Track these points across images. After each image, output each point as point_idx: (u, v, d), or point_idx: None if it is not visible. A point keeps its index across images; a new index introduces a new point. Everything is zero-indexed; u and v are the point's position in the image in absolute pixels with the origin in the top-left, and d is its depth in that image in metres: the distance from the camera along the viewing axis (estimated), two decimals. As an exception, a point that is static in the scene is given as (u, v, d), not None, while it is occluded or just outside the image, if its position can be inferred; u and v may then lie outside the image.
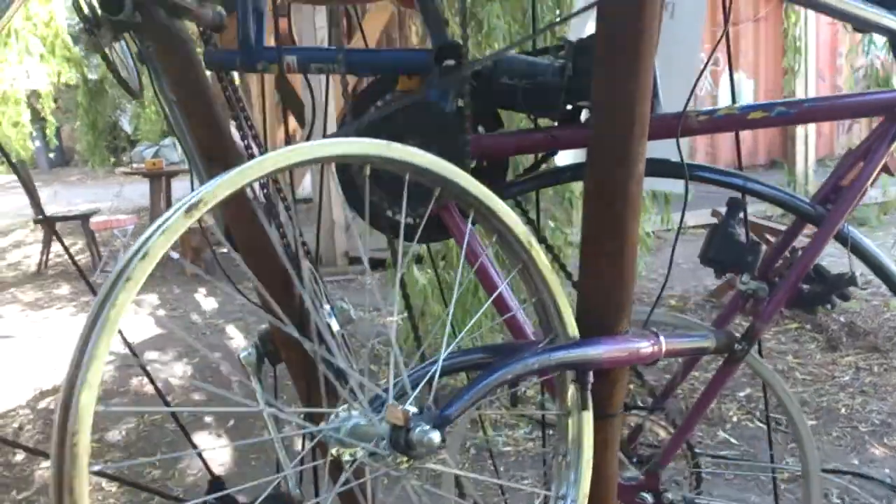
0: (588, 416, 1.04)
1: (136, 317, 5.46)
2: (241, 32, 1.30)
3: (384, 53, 1.36)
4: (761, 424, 3.69)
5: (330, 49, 1.29)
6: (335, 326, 1.41)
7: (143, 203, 8.98)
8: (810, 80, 7.29)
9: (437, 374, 0.89)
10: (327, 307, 1.44)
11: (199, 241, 6.72)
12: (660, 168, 1.41)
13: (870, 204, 5.00)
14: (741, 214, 1.31)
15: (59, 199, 9.75)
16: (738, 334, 1.33)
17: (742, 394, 4.03)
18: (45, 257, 7.11)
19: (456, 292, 1.21)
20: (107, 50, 1.43)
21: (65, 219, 7.24)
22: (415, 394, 0.86)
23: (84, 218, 7.09)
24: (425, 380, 0.86)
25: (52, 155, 15.94)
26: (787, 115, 1.30)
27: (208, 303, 5.95)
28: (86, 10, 1.34)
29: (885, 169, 1.31)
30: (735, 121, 1.31)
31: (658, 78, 1.46)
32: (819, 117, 1.32)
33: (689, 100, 1.30)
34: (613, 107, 1.00)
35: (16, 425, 3.85)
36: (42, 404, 4.05)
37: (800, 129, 8.18)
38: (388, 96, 1.34)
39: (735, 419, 3.77)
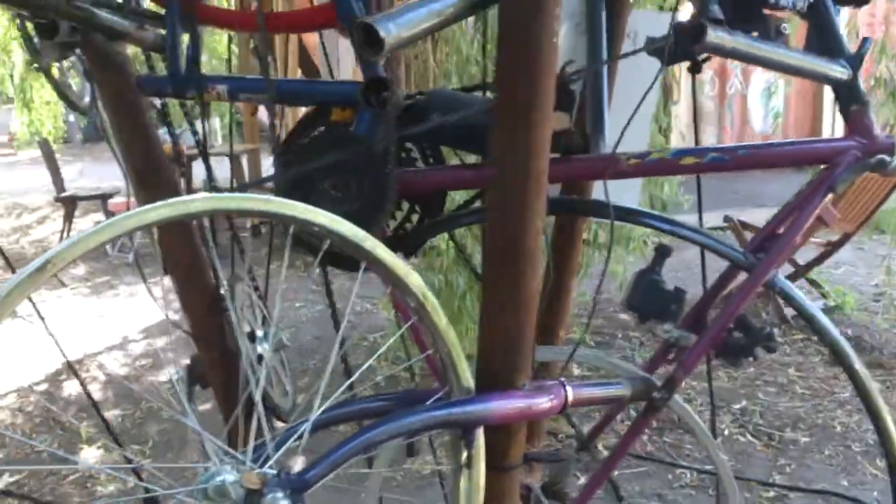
0: (479, 472, 1.03)
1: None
2: (170, 60, 1.30)
3: (315, 85, 1.35)
4: (753, 439, 3.66)
5: (259, 79, 1.29)
6: (266, 353, 1.42)
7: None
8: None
9: (307, 432, 0.89)
10: (260, 333, 1.45)
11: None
12: (590, 208, 1.39)
13: (889, 210, 4.88)
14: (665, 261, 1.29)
15: (88, 175, 9.89)
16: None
17: (737, 406, 3.99)
18: (66, 235, 7.23)
19: (339, 337, 1.18)
20: (54, 68, 1.45)
21: (85, 198, 7.35)
22: (277, 455, 0.85)
23: (103, 198, 7.20)
24: (289, 442, 0.86)
25: (83, 130, 16.16)
26: (720, 162, 1.27)
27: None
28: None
29: (820, 219, 1.27)
30: (666, 165, 1.29)
31: (605, 113, 1.44)
32: (753, 165, 1.28)
33: (619, 139, 1.27)
34: (509, 162, 0.98)
35: (16, 407, 3.95)
36: (41, 387, 4.13)
37: (826, 130, 8.02)
38: (321, 127, 1.34)
39: (727, 432, 3.74)
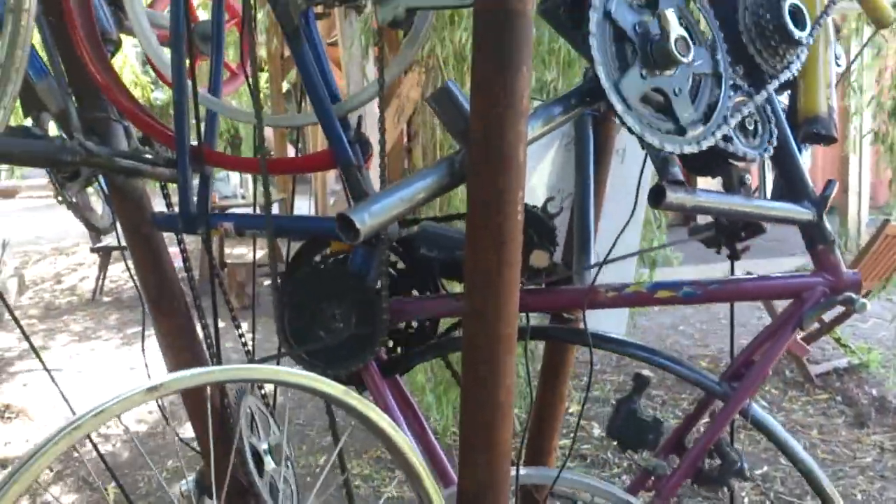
0: None
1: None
2: (181, 200, 1.41)
3: (312, 220, 1.46)
4: (777, 509, 3.63)
5: (260, 216, 1.40)
6: (270, 465, 1.51)
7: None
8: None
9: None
10: (264, 446, 1.54)
11: (244, 275, 6.98)
12: (569, 335, 1.47)
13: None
14: (644, 390, 1.35)
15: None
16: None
17: (759, 472, 3.96)
18: (100, 284, 7.44)
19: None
20: (73, 199, 1.57)
21: (118, 248, 7.55)
22: None
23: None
24: None
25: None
26: (693, 296, 1.34)
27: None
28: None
29: (792, 349, 1.33)
30: (642, 298, 1.36)
31: (590, 243, 1.52)
32: (724, 298, 1.35)
33: (606, 257, 1.34)
34: (480, 283, 1.03)
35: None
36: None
37: (853, 178, 7.94)
38: (319, 258, 1.44)
39: (747, 501, 3.72)
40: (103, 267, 7.42)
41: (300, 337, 1.38)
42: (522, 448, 1.56)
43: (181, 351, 1.58)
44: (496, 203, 1.01)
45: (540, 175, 1.74)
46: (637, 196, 1.30)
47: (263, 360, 1.40)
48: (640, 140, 1.11)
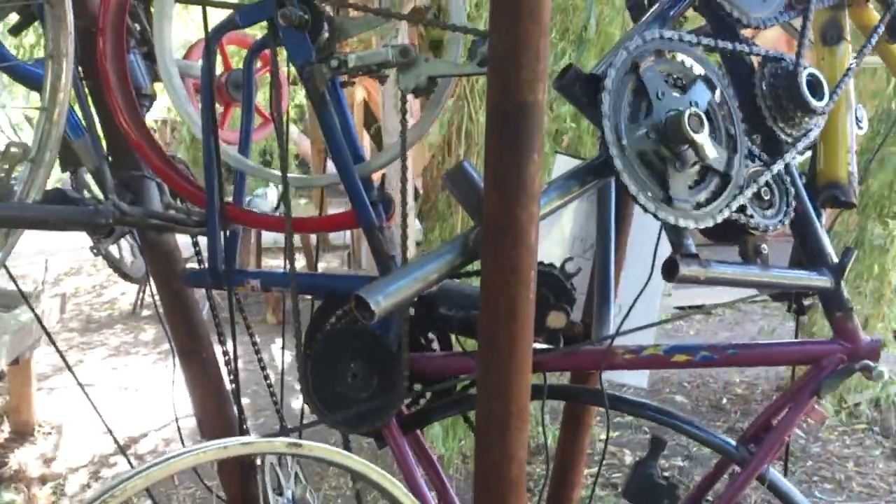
0: None
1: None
2: (210, 257, 1.46)
3: (334, 278, 1.50)
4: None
5: (284, 273, 1.43)
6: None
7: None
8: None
9: None
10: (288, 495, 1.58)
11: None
12: (586, 396, 1.48)
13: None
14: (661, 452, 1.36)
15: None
16: None
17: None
18: (140, 298, 7.55)
19: None
20: (107, 251, 1.63)
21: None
22: None
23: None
24: None
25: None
26: (709, 360, 1.34)
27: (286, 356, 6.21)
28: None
29: (810, 415, 1.33)
30: (658, 360, 1.36)
31: (610, 302, 1.53)
32: (742, 363, 1.35)
33: (623, 321, 1.36)
34: (497, 336, 1.05)
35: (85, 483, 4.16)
36: (101, 471, 4.31)
37: None
38: (340, 313, 1.47)
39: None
40: (144, 281, 7.53)
41: (323, 395, 1.41)
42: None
43: (207, 397, 1.63)
44: (508, 282, 1.03)
45: (561, 226, 1.76)
46: (654, 261, 1.32)
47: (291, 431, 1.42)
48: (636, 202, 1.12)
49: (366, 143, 5.94)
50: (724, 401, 5.19)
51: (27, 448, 4.45)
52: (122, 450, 1.97)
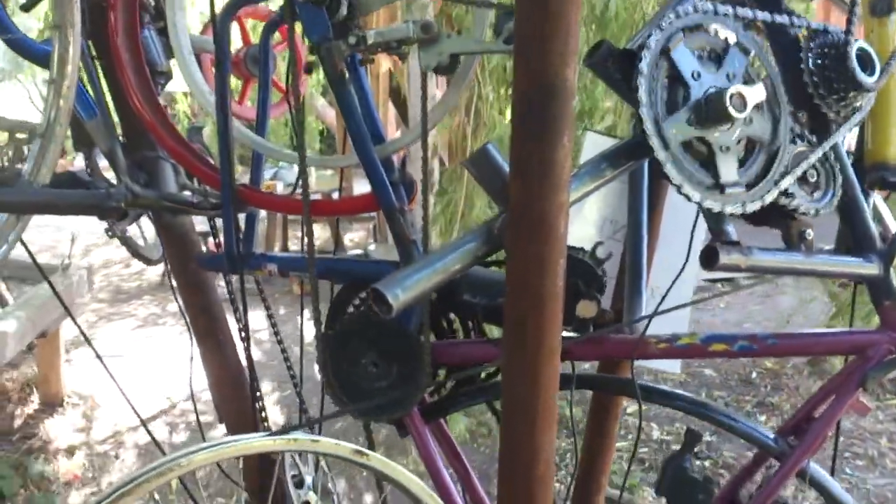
0: None
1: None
2: (226, 241, 1.41)
3: (355, 263, 1.44)
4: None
5: (303, 257, 1.38)
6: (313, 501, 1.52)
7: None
8: None
9: None
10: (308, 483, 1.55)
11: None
12: (616, 387, 1.42)
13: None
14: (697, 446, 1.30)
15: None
16: None
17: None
18: (168, 269, 7.58)
19: None
20: (122, 232, 1.59)
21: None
22: None
23: (203, 235, 7.54)
24: None
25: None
26: (748, 350, 1.28)
27: (310, 326, 6.20)
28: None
29: (854, 407, 1.27)
30: (694, 350, 1.30)
31: (642, 289, 1.46)
32: (783, 353, 1.28)
33: (649, 322, 1.30)
34: (523, 332, 1.00)
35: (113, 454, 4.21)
36: (130, 438, 4.35)
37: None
38: (360, 299, 1.42)
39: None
40: (159, 262, 7.56)
41: (344, 384, 1.37)
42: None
43: (224, 380, 1.60)
44: (535, 274, 0.97)
45: (590, 206, 1.69)
46: (689, 248, 1.25)
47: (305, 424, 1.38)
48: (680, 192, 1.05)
49: (391, 114, 5.87)
50: (754, 374, 5.10)
51: (56, 419, 4.50)
52: (143, 424, 1.95)
